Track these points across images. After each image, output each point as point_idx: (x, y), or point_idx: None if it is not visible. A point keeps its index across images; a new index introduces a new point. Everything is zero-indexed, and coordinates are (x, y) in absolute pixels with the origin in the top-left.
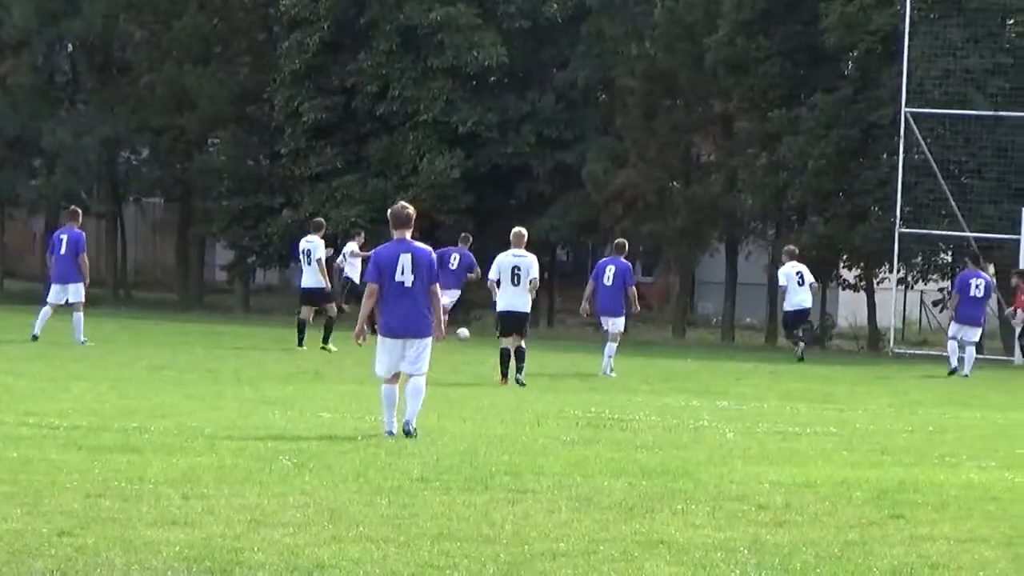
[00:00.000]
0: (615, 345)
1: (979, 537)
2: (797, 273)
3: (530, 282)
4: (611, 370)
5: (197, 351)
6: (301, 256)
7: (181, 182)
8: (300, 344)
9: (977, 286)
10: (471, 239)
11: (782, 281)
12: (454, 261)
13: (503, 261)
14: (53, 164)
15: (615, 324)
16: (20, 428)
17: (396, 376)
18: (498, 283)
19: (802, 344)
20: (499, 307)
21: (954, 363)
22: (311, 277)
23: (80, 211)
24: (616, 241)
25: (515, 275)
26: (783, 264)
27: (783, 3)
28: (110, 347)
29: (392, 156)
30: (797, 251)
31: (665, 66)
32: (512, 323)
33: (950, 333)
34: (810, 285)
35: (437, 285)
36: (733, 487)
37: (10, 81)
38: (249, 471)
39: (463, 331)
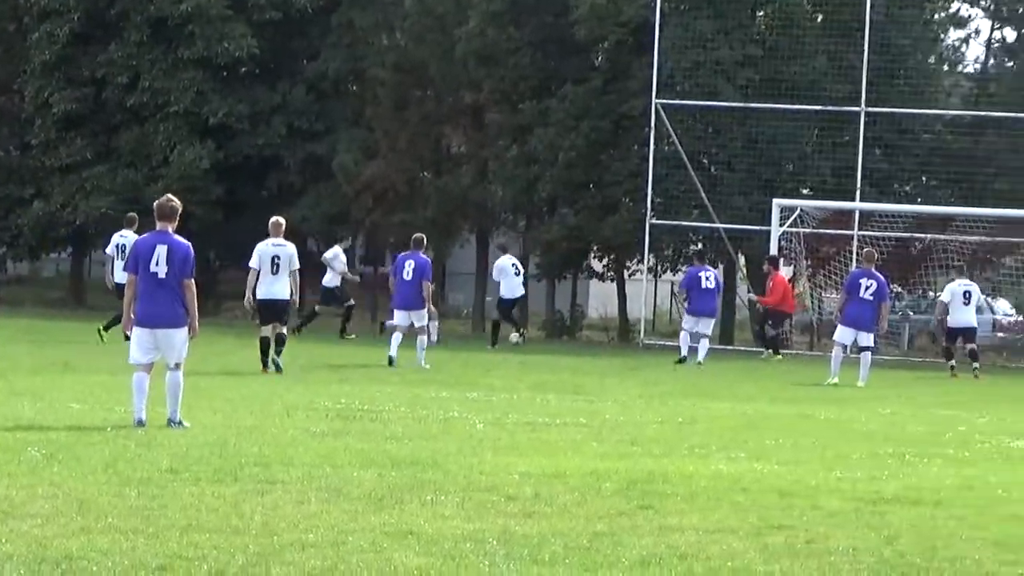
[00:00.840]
0: (425, 338)
1: (727, 527)
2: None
3: (291, 272)
4: (425, 362)
5: None
6: (115, 250)
7: None
8: (103, 330)
9: (707, 278)
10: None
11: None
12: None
13: (263, 250)
14: None
15: (419, 317)
16: None
17: (150, 366)
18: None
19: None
20: (259, 295)
21: (684, 351)
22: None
23: None
24: (414, 236)
25: (275, 264)
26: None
27: None
28: None
29: (143, 147)
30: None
31: (416, 57)
32: (272, 311)
33: (686, 326)
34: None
35: (192, 280)
36: (483, 478)
37: None
38: None
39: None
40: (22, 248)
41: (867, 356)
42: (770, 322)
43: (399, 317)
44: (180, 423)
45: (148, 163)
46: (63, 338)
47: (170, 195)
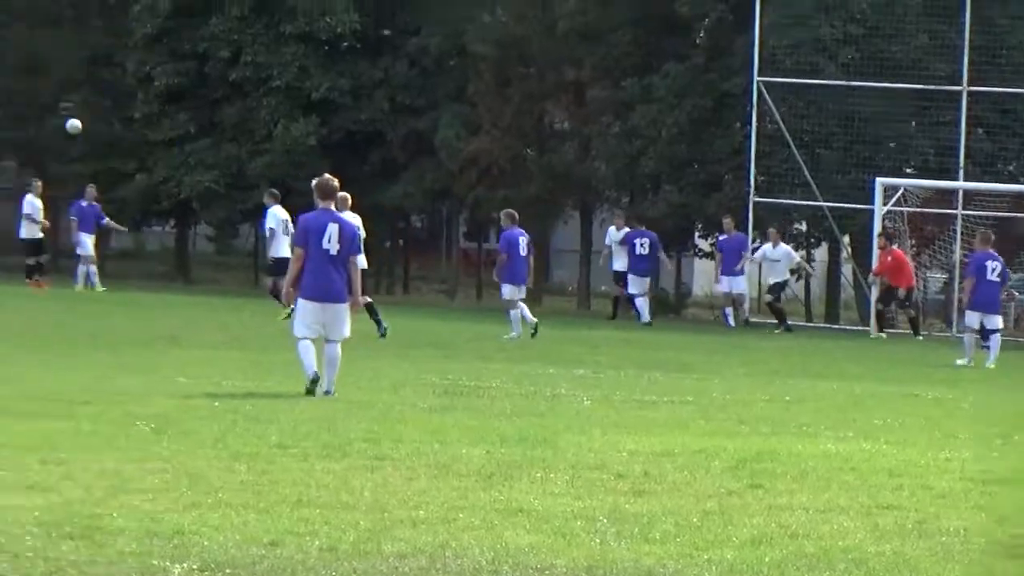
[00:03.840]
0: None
1: (837, 507)
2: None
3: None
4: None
5: (54, 315)
6: (280, 226)
7: (33, 145)
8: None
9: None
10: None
11: None
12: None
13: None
14: None
15: (522, 292)
16: None
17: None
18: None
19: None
20: None
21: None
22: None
23: None
24: (510, 212)
25: None
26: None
27: None
28: None
29: (245, 122)
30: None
31: (518, 33)
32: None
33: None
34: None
35: (360, 256)
36: (592, 456)
37: None
38: (107, 436)
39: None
40: (125, 222)
41: (997, 338)
42: (880, 299)
43: (512, 291)
44: (333, 394)
45: (251, 138)
46: (169, 312)
47: (328, 175)
